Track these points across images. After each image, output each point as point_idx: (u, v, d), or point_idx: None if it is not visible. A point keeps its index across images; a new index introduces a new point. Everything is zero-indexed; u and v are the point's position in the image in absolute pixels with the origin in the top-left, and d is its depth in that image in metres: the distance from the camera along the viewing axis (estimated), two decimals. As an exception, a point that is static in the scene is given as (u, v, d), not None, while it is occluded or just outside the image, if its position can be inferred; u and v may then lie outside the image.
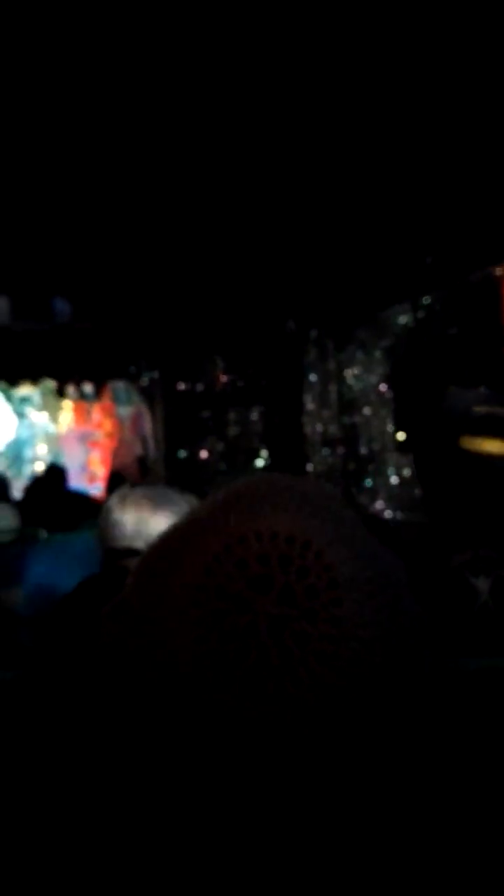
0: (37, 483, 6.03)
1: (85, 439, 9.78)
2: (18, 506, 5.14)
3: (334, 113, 5.83)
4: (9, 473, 9.28)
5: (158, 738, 0.54)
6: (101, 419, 9.70)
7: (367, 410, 8.20)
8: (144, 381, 9.30)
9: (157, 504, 2.32)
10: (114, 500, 2.40)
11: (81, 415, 9.70)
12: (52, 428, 9.79)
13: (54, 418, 9.76)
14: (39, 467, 9.21)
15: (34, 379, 9.39)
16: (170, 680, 0.54)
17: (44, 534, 4.22)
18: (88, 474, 9.55)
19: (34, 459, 9.67)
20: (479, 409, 1.61)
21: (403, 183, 6.24)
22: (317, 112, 5.84)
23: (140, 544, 2.28)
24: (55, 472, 6.28)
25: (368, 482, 8.18)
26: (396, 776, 0.55)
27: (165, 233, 6.86)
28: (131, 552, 2.30)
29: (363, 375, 8.15)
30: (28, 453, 9.86)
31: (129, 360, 9.09)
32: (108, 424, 9.68)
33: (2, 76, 5.11)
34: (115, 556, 2.34)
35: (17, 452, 9.86)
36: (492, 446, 1.60)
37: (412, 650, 0.57)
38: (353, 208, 6.50)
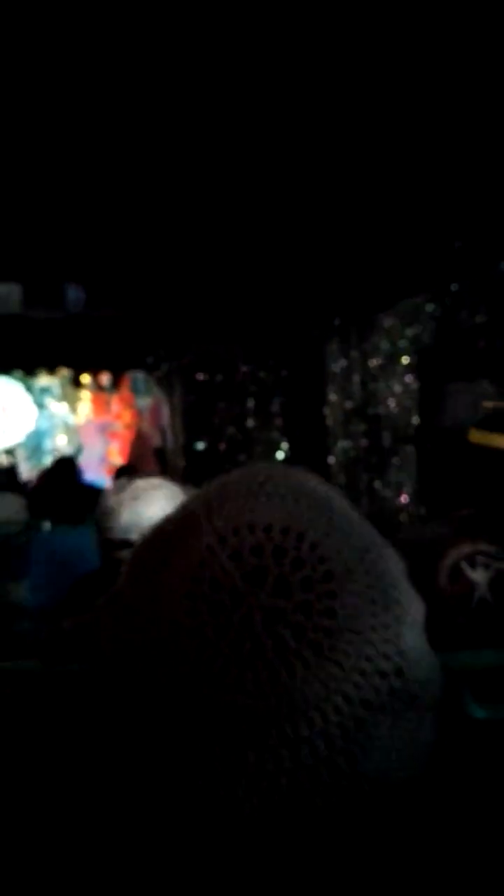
0: (46, 475, 6.03)
1: (104, 430, 9.84)
2: (27, 497, 5.12)
3: (361, 97, 5.70)
4: (28, 464, 9.34)
5: (152, 732, 0.54)
6: (120, 410, 9.74)
7: (391, 402, 8.03)
8: (163, 371, 9.24)
9: (152, 495, 2.39)
10: (110, 492, 2.45)
11: (100, 406, 9.74)
12: (71, 419, 9.84)
13: (74, 409, 9.81)
14: (59, 458, 9.24)
15: (50, 368, 9.43)
16: (163, 673, 0.54)
17: (48, 526, 4.21)
18: (107, 465, 9.58)
19: (54, 450, 9.72)
20: (488, 404, 1.66)
21: (431, 166, 6.11)
22: (343, 96, 5.72)
23: (135, 536, 2.33)
24: (65, 464, 6.26)
25: (392, 476, 8.04)
26: (395, 771, 0.54)
27: (183, 219, 6.76)
28: (126, 544, 2.32)
29: (387, 365, 7.98)
30: (48, 444, 9.90)
31: (146, 350, 9.05)
32: (127, 415, 9.72)
33: (9, 60, 5.04)
34: (111, 547, 2.36)
35: (36, 443, 9.91)
36: (501, 441, 1.63)
37: (409, 642, 0.56)
38: (377, 193, 6.38)
